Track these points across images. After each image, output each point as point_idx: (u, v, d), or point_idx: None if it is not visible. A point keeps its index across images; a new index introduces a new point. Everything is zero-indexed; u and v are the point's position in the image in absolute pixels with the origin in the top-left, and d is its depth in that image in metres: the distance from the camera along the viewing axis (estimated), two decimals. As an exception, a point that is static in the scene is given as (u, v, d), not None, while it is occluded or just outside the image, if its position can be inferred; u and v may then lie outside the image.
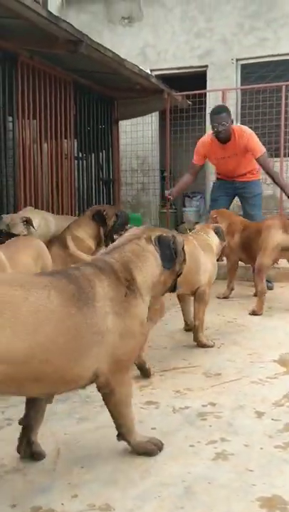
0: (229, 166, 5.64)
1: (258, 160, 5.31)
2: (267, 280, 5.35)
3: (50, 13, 4.06)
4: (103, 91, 6.42)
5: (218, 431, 2.25)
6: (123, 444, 2.13)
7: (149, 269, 2.06)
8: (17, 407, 2.54)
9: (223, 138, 5.30)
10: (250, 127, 8.26)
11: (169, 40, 9.16)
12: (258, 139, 5.39)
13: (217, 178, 6.00)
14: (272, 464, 1.97)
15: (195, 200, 10.56)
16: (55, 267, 3.86)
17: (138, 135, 8.71)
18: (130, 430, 2.04)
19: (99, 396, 2.62)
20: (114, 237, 4.67)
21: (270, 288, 5.57)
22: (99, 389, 2.01)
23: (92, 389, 2.61)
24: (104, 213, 4.64)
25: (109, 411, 2.04)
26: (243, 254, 5.02)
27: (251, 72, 8.74)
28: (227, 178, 5.74)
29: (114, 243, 2.21)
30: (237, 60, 8.80)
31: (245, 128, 5.52)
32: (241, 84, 8.86)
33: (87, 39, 4.48)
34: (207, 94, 8.56)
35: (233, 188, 5.72)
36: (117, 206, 5.02)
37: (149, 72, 9.18)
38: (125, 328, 1.89)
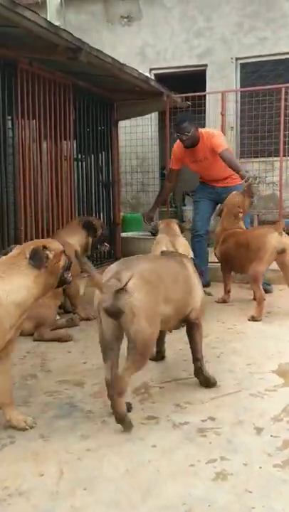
0: (204, 170, 5.75)
1: (220, 155, 5.35)
2: (266, 283, 5.41)
3: (50, 23, 4.06)
4: (102, 93, 6.41)
5: (218, 448, 2.29)
6: (124, 463, 2.17)
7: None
8: (19, 423, 2.59)
9: (189, 145, 5.50)
10: (250, 128, 8.37)
11: (168, 40, 9.14)
12: (223, 138, 5.52)
13: (200, 181, 6.02)
14: (271, 484, 2.01)
15: (195, 200, 10.55)
16: None
17: (137, 136, 8.71)
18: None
19: (100, 412, 2.70)
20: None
21: (270, 291, 5.60)
22: (190, 320, 3.03)
23: (93, 405, 2.67)
24: (94, 223, 4.74)
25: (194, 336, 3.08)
26: (227, 265, 5.08)
27: (251, 71, 8.74)
28: (208, 183, 5.78)
29: None
30: (236, 59, 8.78)
31: (213, 130, 5.72)
32: (241, 84, 8.85)
33: (86, 47, 4.49)
34: (207, 94, 8.56)
35: (214, 193, 5.77)
36: (97, 218, 5.27)
37: (148, 73, 9.23)
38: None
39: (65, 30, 4.22)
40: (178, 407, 2.74)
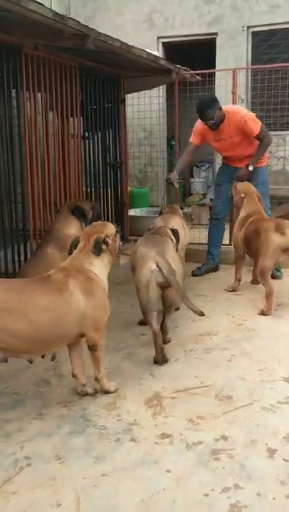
0: (226, 148, 5.63)
1: (256, 137, 5.30)
2: (275, 268, 5.38)
3: (56, 13, 3.88)
4: (109, 70, 6.20)
5: (232, 475, 2.33)
6: (139, 492, 2.22)
7: None
8: (34, 441, 2.63)
9: (216, 127, 5.37)
10: (261, 100, 8.12)
11: (177, 6, 8.79)
12: (254, 117, 5.37)
13: (222, 163, 5.92)
14: (285, 518, 2.05)
15: (203, 170, 10.39)
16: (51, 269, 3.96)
17: (145, 107, 8.47)
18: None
19: (113, 428, 2.74)
20: None
21: (279, 277, 5.59)
22: None
23: (107, 420, 2.69)
24: (83, 207, 4.53)
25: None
26: (247, 249, 5.04)
27: (262, 40, 8.42)
28: (231, 164, 5.68)
29: None
30: (248, 27, 8.46)
31: (239, 109, 5.50)
32: (252, 53, 8.55)
33: (94, 33, 4.31)
34: (217, 65, 8.29)
35: None
36: (85, 199, 4.98)
37: (156, 42, 8.92)
38: None
39: (71, 18, 4.04)
40: (191, 422, 2.78)
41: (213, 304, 4.83)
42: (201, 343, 3.87)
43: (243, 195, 5.09)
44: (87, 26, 4.24)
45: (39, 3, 3.65)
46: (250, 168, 5.30)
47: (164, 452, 2.51)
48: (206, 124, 5.34)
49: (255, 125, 5.28)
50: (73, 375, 3.12)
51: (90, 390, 3.12)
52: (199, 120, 5.50)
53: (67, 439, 2.67)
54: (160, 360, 3.52)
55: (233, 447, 2.54)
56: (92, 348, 2.98)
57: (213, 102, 5.30)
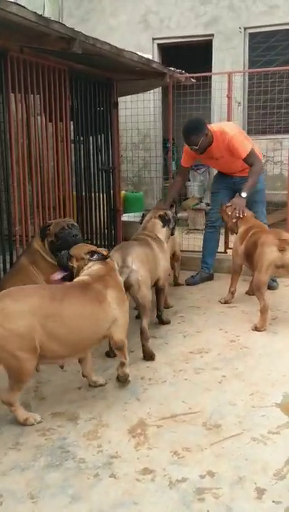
0: (220, 166, 5.47)
1: (244, 161, 5.04)
2: (271, 279, 5.20)
3: (39, 15, 3.70)
4: (100, 74, 6.02)
5: (216, 519, 2.15)
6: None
7: None
8: (8, 475, 2.46)
9: (202, 152, 5.16)
10: (258, 105, 7.95)
11: (172, 7, 8.62)
12: (242, 138, 5.08)
13: (217, 172, 5.75)
14: None
15: (199, 173, 10.21)
16: (28, 280, 3.96)
17: (138, 111, 8.22)
18: None
19: (93, 462, 2.57)
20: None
21: (274, 288, 5.42)
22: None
23: (86, 451, 2.50)
24: (48, 229, 4.19)
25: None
26: (246, 262, 4.83)
27: (260, 41, 8.24)
28: (227, 173, 5.50)
29: None
30: (245, 28, 8.27)
31: (228, 129, 5.13)
32: (249, 54, 8.38)
33: (81, 36, 4.13)
34: (213, 67, 8.11)
35: (232, 182, 5.49)
36: (61, 224, 4.44)
37: (152, 43, 8.75)
38: None
39: (57, 21, 3.85)
40: (175, 455, 2.60)
41: (207, 317, 4.66)
42: (191, 362, 3.70)
43: (234, 220, 4.88)
44: (73, 29, 4.06)
45: (20, 5, 3.47)
46: (244, 195, 4.92)
47: (145, 491, 2.34)
48: (191, 149, 5.17)
49: (243, 148, 4.99)
50: (84, 376, 3.35)
51: (101, 381, 3.37)
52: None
53: (43, 473, 2.50)
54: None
55: (219, 486, 2.36)
56: (120, 348, 3.21)
57: (199, 127, 5.02)
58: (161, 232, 4.46)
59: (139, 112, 7.99)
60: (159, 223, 4.48)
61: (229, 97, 6.09)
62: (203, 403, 3.11)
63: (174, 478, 2.42)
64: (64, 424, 2.93)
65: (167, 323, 4.49)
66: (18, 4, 3.42)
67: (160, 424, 2.89)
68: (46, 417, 3.00)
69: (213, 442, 2.71)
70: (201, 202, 8.97)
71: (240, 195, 4.91)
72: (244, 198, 4.89)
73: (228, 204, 4.97)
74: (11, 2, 3.35)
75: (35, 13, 3.64)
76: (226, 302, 5.00)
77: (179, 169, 5.72)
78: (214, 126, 5.17)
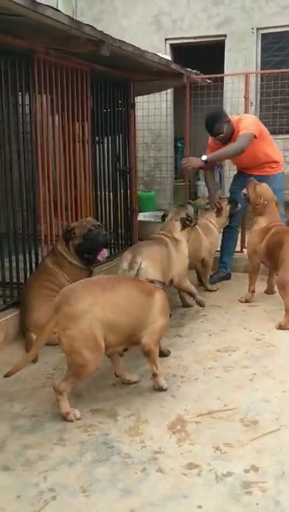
0: (243, 160, 5.48)
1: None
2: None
3: (72, 19, 3.76)
4: (119, 74, 6.08)
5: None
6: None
7: None
8: (57, 470, 2.54)
9: (227, 141, 5.25)
10: (269, 105, 8.00)
11: (185, 7, 8.67)
12: (253, 122, 5.15)
13: (237, 170, 5.82)
14: None
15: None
16: (55, 281, 4.24)
17: (150, 112, 8.23)
18: None
19: (139, 457, 2.64)
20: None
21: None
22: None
23: (130, 447, 2.58)
24: (72, 232, 4.28)
25: None
26: (268, 261, 4.88)
27: (272, 42, 8.30)
28: (245, 171, 5.56)
29: None
30: (257, 29, 8.33)
31: (245, 115, 5.34)
32: (261, 55, 8.44)
33: (109, 39, 4.19)
34: (225, 67, 8.17)
35: None
36: (86, 225, 4.35)
37: (164, 44, 8.80)
38: None
39: (87, 24, 3.91)
40: (218, 450, 2.68)
41: (229, 316, 4.73)
42: (220, 360, 3.77)
43: (264, 201, 4.88)
44: (102, 32, 4.13)
45: (55, 9, 3.53)
46: (204, 158, 5.04)
47: (193, 485, 2.41)
48: (217, 139, 5.24)
49: (244, 126, 5.08)
50: (116, 375, 3.44)
51: (135, 378, 3.44)
52: (211, 137, 5.42)
53: (91, 468, 2.57)
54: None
55: (264, 480, 2.44)
56: (147, 353, 3.22)
57: (220, 115, 5.20)
58: (180, 233, 4.53)
59: (151, 113, 8.06)
60: (178, 225, 4.55)
61: (246, 98, 6.16)
62: (237, 400, 3.19)
63: (220, 473, 2.49)
64: (104, 420, 3.00)
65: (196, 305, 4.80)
66: (53, 8, 3.47)
67: (198, 421, 2.97)
68: (85, 413, 3.07)
69: (252, 438, 2.78)
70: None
71: (201, 158, 5.06)
72: (203, 160, 5.03)
73: (184, 160, 5.25)
74: (47, 6, 3.41)
75: (69, 16, 3.70)
76: (246, 301, 5.07)
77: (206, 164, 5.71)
78: (235, 117, 5.33)
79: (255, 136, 5.09)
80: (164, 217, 4.79)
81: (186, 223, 4.54)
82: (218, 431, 2.86)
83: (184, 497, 2.34)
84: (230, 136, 5.20)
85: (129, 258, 3.88)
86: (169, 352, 3.88)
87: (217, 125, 5.11)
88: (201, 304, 4.75)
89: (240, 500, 2.31)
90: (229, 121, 5.15)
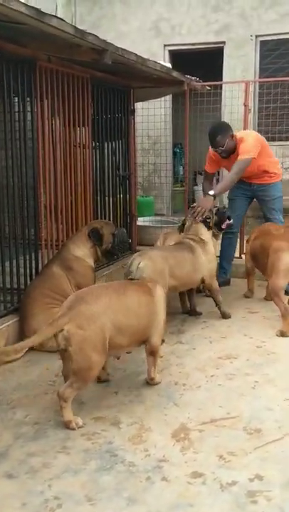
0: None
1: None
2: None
3: (76, 28, 3.78)
4: (119, 81, 6.11)
5: (272, 521, 2.24)
6: None
7: None
8: (61, 478, 2.54)
9: (226, 155, 5.26)
10: (267, 114, 8.04)
11: (184, 14, 8.71)
12: (254, 144, 5.11)
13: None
14: None
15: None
16: (59, 287, 4.29)
17: (149, 119, 8.19)
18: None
19: (143, 465, 2.65)
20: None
21: (289, 293, 5.52)
22: None
23: (134, 455, 2.54)
24: (101, 232, 4.44)
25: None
26: (255, 265, 5.10)
27: (271, 49, 8.35)
28: (245, 180, 5.58)
29: None
30: (256, 36, 8.38)
31: (247, 134, 5.30)
32: (260, 62, 8.48)
33: (112, 47, 4.22)
34: (224, 74, 8.21)
35: (251, 190, 5.60)
36: (110, 223, 4.79)
37: (163, 50, 8.83)
38: None
39: (91, 33, 3.94)
40: (222, 459, 2.69)
41: (229, 323, 4.75)
42: (221, 368, 3.79)
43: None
44: (105, 41, 4.16)
45: (60, 18, 3.56)
46: (211, 192, 4.94)
47: (199, 494, 2.42)
48: (215, 151, 5.26)
49: (243, 150, 5.05)
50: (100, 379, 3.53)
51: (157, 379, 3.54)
52: (210, 149, 5.45)
53: (95, 476, 2.57)
54: None
55: (269, 488, 2.45)
56: (154, 352, 3.38)
57: (225, 128, 5.20)
58: (205, 234, 4.73)
59: (150, 119, 8.07)
60: (203, 227, 4.73)
61: (246, 105, 6.20)
62: (240, 408, 3.20)
63: (225, 482, 2.51)
64: (107, 428, 3.01)
65: (225, 316, 4.84)
66: (57, 17, 3.49)
67: (202, 429, 2.98)
68: (88, 421, 3.07)
69: (256, 446, 2.79)
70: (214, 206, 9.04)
71: (208, 193, 4.95)
72: (211, 195, 4.91)
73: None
74: (53, 15, 3.43)
75: (73, 25, 3.72)
76: (246, 296, 5.41)
77: (205, 175, 5.78)
78: (238, 134, 5.29)
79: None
80: (183, 225, 4.94)
81: (208, 224, 4.74)
82: (221, 439, 2.87)
83: (189, 506, 2.35)
84: (230, 152, 5.21)
85: (133, 259, 4.17)
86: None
87: (219, 137, 5.10)
88: (225, 316, 4.84)
89: (245, 509, 2.32)
90: (232, 136, 5.15)
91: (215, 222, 4.84)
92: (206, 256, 4.60)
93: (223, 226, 4.96)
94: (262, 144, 5.33)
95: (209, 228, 4.74)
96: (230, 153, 5.22)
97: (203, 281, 4.66)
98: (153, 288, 3.40)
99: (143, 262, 4.10)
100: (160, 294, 3.42)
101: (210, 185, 5.74)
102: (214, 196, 4.90)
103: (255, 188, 5.53)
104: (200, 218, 4.70)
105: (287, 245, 4.48)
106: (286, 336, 4.34)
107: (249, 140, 5.11)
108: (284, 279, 4.47)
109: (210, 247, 4.69)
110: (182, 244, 4.63)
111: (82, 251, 4.42)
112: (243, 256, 6.19)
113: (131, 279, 3.83)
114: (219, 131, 5.15)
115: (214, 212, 4.84)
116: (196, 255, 4.52)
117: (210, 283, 4.69)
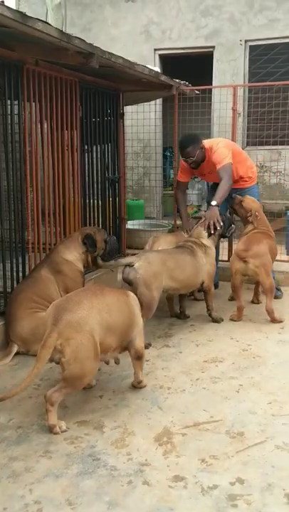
0: (212, 179, 5.62)
1: (217, 172, 5.10)
2: (276, 287, 5.31)
3: (62, 32, 3.79)
4: (108, 84, 6.12)
5: (251, 525, 2.25)
6: None
7: None
8: (43, 482, 2.53)
9: (196, 166, 5.36)
10: (256, 118, 8.08)
11: (174, 18, 8.74)
12: (225, 152, 5.12)
13: (211, 184, 5.86)
14: None
15: (197, 181, 10.34)
16: (46, 291, 4.25)
17: (138, 122, 8.19)
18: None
19: (125, 469, 2.64)
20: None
21: (278, 297, 5.54)
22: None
23: (117, 459, 2.50)
24: (95, 238, 4.46)
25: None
26: None
27: (260, 54, 8.39)
28: None
29: None
30: (246, 41, 8.42)
31: (216, 143, 5.32)
32: (249, 67, 8.52)
33: (98, 51, 4.22)
34: (214, 78, 8.24)
35: (228, 195, 5.59)
36: (102, 230, 4.76)
37: (153, 54, 8.86)
38: None
39: (77, 37, 3.94)
40: (204, 463, 2.69)
41: (216, 326, 4.77)
42: (207, 371, 3.79)
43: (256, 212, 5.14)
44: (91, 45, 4.16)
45: (45, 22, 3.56)
46: (213, 203, 4.93)
47: (180, 498, 2.42)
48: (185, 161, 5.31)
49: (219, 160, 5.07)
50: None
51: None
52: (180, 160, 5.51)
53: (77, 481, 2.57)
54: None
55: (249, 492, 2.45)
56: (140, 357, 3.41)
57: (195, 139, 5.25)
58: (207, 240, 4.83)
59: (140, 123, 8.08)
60: (204, 233, 4.83)
61: (234, 110, 6.22)
62: (223, 412, 3.21)
63: (206, 485, 2.51)
64: (91, 432, 3.00)
65: (216, 321, 4.87)
66: (42, 21, 3.50)
67: (185, 433, 2.98)
68: (72, 425, 3.07)
69: (238, 450, 2.80)
70: (200, 210, 9.09)
71: (212, 204, 4.96)
72: (214, 205, 4.93)
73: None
74: (37, 19, 3.43)
75: (58, 29, 3.72)
76: (232, 299, 5.42)
77: (178, 185, 5.84)
78: (206, 143, 5.34)
79: None
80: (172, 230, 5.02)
81: (210, 231, 4.84)
82: (204, 443, 2.88)
83: (170, 510, 2.35)
84: (199, 163, 5.29)
85: (131, 260, 4.29)
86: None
87: (190, 148, 5.17)
88: (216, 320, 4.87)
89: (225, 513, 2.33)
90: (202, 148, 5.22)
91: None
92: (206, 259, 4.71)
93: (228, 234, 5.19)
94: (235, 150, 5.37)
95: (222, 236, 4.99)
96: (199, 164, 5.32)
97: (202, 284, 4.73)
98: (125, 291, 3.53)
99: (138, 263, 4.19)
100: (133, 296, 3.49)
101: (183, 195, 5.83)
102: (217, 206, 4.93)
103: (232, 192, 5.54)
104: (218, 232, 4.88)
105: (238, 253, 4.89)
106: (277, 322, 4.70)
107: (220, 148, 5.17)
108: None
109: (211, 252, 4.80)
110: (184, 248, 4.72)
111: (73, 255, 4.41)
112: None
113: (124, 280, 4.12)
114: (190, 142, 5.21)
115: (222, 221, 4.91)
116: (197, 258, 4.64)
117: (208, 285, 4.76)
